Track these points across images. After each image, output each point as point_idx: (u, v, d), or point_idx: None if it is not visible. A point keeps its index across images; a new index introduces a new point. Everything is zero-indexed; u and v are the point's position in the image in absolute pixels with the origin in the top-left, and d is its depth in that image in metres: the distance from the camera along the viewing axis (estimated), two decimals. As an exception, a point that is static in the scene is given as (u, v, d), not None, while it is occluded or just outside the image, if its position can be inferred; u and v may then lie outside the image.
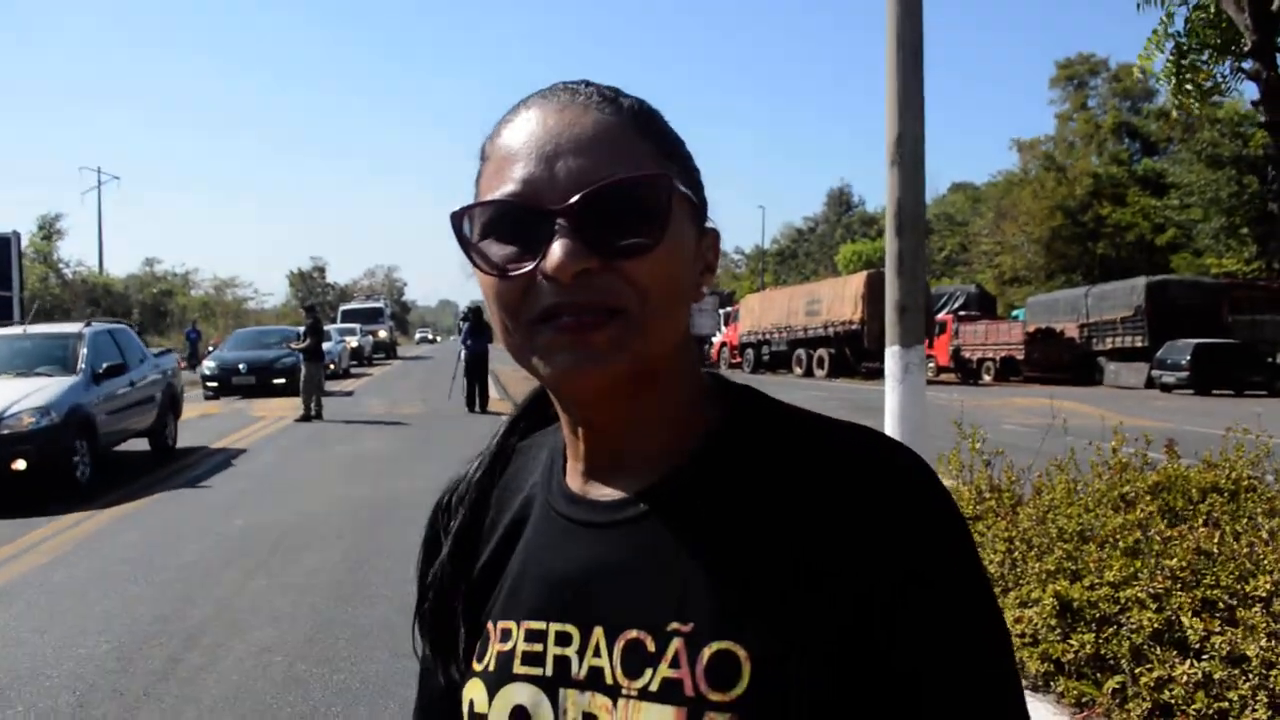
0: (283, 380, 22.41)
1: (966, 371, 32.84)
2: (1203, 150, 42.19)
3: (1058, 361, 31.62)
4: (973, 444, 6.01)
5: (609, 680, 0.77)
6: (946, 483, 0.82)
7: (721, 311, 39.07)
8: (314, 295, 77.23)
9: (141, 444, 13.07)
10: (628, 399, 0.80)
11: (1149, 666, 3.58)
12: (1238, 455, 5.61)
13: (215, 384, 22.85)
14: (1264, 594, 3.61)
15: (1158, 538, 4.21)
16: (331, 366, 26.80)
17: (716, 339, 38.87)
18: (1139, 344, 29.74)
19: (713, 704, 0.72)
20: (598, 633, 0.79)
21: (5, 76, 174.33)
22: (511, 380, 23.48)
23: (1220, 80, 7.45)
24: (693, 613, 0.75)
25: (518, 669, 0.81)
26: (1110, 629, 3.87)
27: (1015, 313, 40.90)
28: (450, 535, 0.92)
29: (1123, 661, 3.72)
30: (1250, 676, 3.31)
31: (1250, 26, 6.35)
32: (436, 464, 11.39)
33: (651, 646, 0.76)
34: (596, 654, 0.78)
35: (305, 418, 17.01)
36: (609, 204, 0.74)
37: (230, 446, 13.90)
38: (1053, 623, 4.07)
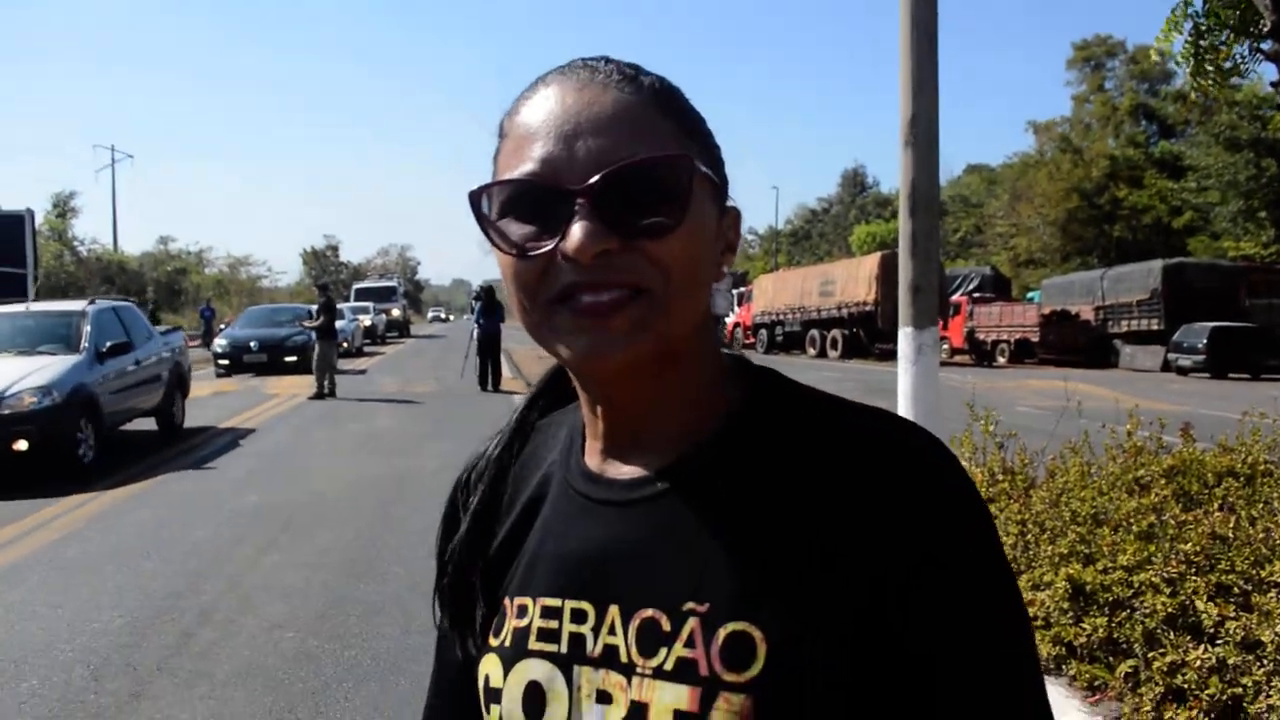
0: (294, 358, 22.52)
1: (981, 353, 32.71)
2: (1221, 133, 41.80)
3: (1073, 344, 31.48)
4: (985, 426, 5.98)
5: (624, 658, 0.77)
6: (959, 465, 0.81)
7: (735, 292, 38.99)
8: (327, 274, 77.51)
9: (149, 423, 12.91)
10: (649, 379, 0.80)
11: (1162, 651, 3.56)
12: (1254, 439, 5.58)
13: (227, 361, 22.92)
14: (1279, 579, 3.58)
15: (1172, 522, 4.19)
16: (344, 345, 26.89)
17: (730, 319, 38.82)
18: (1155, 327, 29.56)
19: (727, 684, 0.72)
20: (613, 611, 0.79)
21: (16, 49, 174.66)
22: (525, 359, 23.52)
23: (1239, 61, 7.34)
24: (709, 593, 0.75)
25: (533, 645, 0.82)
26: (1123, 613, 3.84)
27: (1030, 295, 40.69)
28: (469, 512, 0.93)
29: (1135, 646, 3.70)
30: (1265, 662, 3.29)
31: (1270, 6, 6.24)
32: (449, 442, 11.43)
33: (667, 626, 0.76)
34: (612, 632, 0.78)
35: (318, 396, 17.06)
36: (629, 184, 0.73)
37: (240, 426, 13.82)
38: (1065, 606, 4.06)
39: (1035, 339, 31.62)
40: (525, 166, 0.76)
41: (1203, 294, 29.12)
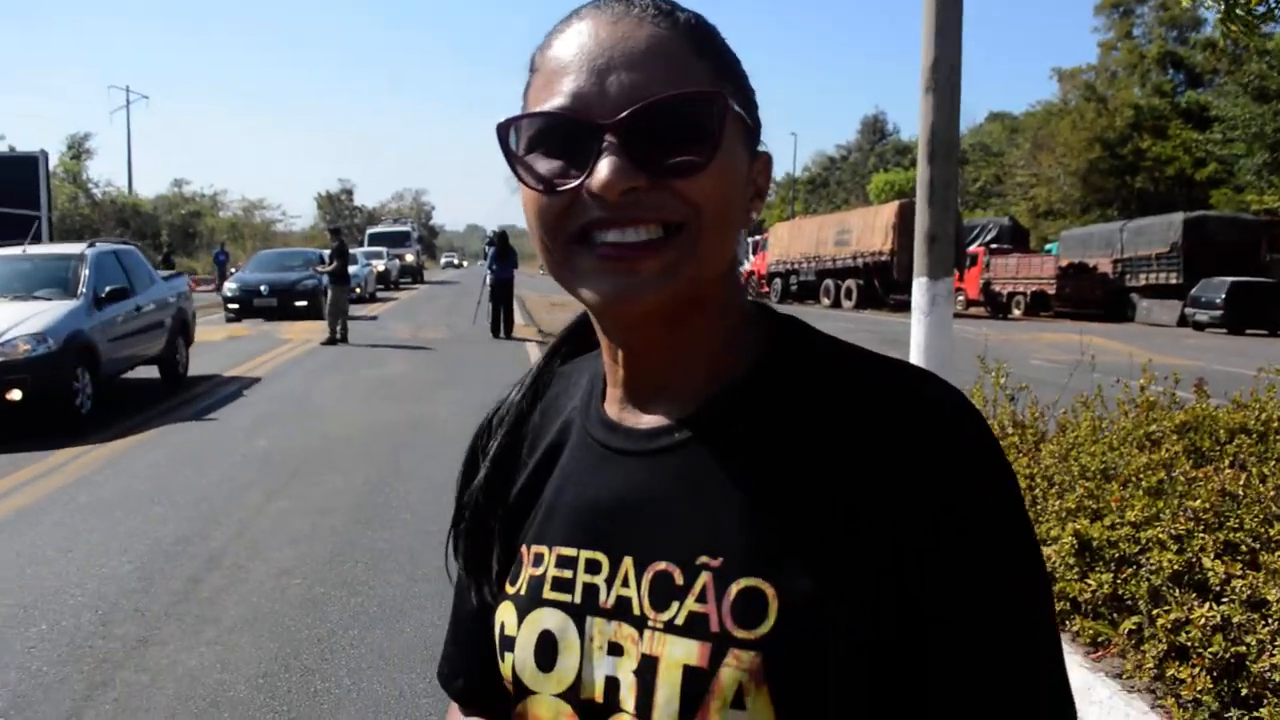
0: (304, 303, 22.47)
1: (996, 305, 32.52)
2: (1249, 83, 40.93)
3: (1090, 297, 31.24)
4: (996, 379, 5.93)
5: (636, 611, 0.76)
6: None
7: (750, 240, 38.80)
8: (341, 218, 77.43)
9: (152, 371, 12.53)
10: (674, 325, 0.79)
11: (1167, 608, 3.53)
12: (1269, 396, 5.50)
13: (236, 305, 22.90)
14: (1288, 538, 3.55)
15: (1182, 478, 4.15)
16: (357, 290, 26.90)
17: (744, 268, 38.64)
18: (1174, 281, 29.28)
19: (738, 641, 0.71)
20: (627, 562, 0.78)
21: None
22: (537, 306, 23.51)
23: (1272, 7, 7.16)
24: (723, 547, 0.74)
25: (547, 594, 0.81)
26: (1129, 569, 3.82)
27: (1049, 247, 40.31)
28: (488, 457, 0.92)
29: (1140, 602, 3.68)
30: (1270, 621, 3.26)
31: (1305, -50, 6.06)
32: (460, 389, 11.46)
33: (680, 579, 0.75)
34: (625, 584, 0.78)
35: (330, 341, 17.09)
36: (660, 121, 0.72)
37: (248, 375, 13.52)
38: (1071, 561, 4.03)
39: (1052, 292, 31.37)
40: (555, 100, 0.74)
41: (1223, 248, 28.78)
